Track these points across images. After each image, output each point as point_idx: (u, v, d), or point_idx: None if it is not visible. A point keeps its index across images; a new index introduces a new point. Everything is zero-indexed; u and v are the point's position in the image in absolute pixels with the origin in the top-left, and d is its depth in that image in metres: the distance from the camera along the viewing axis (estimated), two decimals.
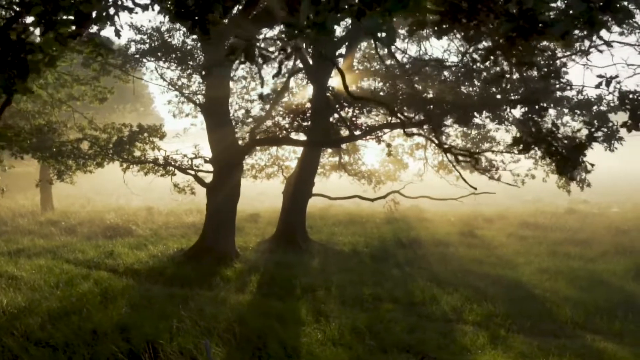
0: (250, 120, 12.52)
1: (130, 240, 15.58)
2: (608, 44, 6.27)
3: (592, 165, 3.75)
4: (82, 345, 6.58)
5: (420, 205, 23.10)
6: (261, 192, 29.85)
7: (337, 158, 21.68)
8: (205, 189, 13.17)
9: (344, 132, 13.53)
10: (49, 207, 21.86)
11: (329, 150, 20.92)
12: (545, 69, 6.89)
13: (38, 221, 18.40)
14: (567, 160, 3.35)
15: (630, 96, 4.97)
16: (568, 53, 10.75)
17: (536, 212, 21.97)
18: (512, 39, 2.46)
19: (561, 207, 22.94)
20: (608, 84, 4.41)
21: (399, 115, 9.28)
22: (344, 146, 21.15)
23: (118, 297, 9.16)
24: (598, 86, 4.62)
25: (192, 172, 13.22)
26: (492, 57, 3.43)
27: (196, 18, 2.19)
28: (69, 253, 13.23)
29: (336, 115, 12.96)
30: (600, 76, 4.34)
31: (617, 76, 4.40)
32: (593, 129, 4.12)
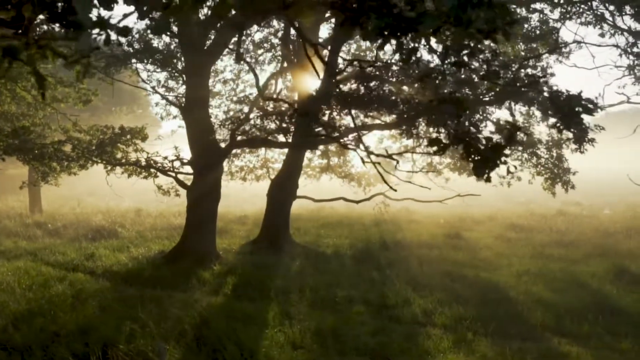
0: (228, 122, 12.49)
1: (114, 242, 15.58)
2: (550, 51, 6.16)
3: (514, 168, 3.67)
4: (39, 348, 6.57)
5: (411, 207, 23.04)
6: (254, 194, 29.81)
7: (326, 160, 21.70)
8: (186, 190, 13.18)
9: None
10: (37, 208, 21.90)
11: (318, 152, 20.94)
12: (486, 69, 6.83)
13: (25, 223, 18.42)
14: (486, 162, 3.31)
15: (562, 98, 4.90)
16: (545, 51, 10.74)
17: (526, 214, 21.88)
18: (385, 37, 2.42)
19: (552, 209, 22.83)
20: (536, 83, 4.35)
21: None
22: (332, 148, 21.20)
23: (89, 299, 9.16)
24: (527, 85, 4.57)
25: (173, 174, 13.21)
26: (413, 57, 3.39)
27: (64, 21, 2.18)
28: (49, 255, 13.23)
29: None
30: (529, 75, 4.28)
31: (545, 76, 4.34)
32: (512, 130, 4.05)
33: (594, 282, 11.00)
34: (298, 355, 6.77)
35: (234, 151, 18.85)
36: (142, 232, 17.63)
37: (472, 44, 4.25)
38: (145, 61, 14.26)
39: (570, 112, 4.69)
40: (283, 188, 15.36)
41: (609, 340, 7.75)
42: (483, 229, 18.80)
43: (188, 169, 13.49)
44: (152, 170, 13.65)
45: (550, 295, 10.01)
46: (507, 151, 3.46)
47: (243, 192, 29.44)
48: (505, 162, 3.52)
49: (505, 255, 14.15)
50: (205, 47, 12.22)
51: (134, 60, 14.51)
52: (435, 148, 3.53)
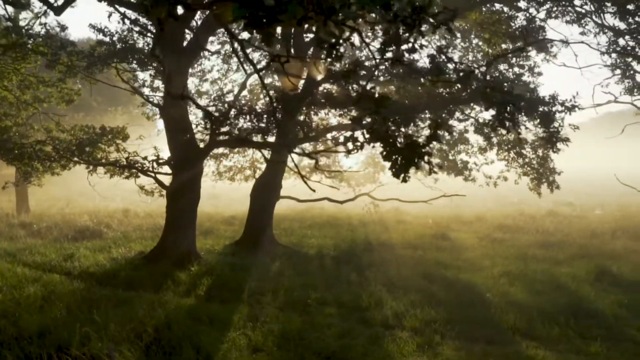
0: (206, 121, 12.37)
1: (97, 242, 15.49)
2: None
3: (438, 167, 3.49)
4: None
5: (401, 208, 22.95)
6: (247, 194, 29.71)
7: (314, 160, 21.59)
8: (166, 191, 13.09)
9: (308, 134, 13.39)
10: (24, 209, 21.83)
11: (306, 152, 20.84)
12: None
13: (10, 223, 18.34)
14: (407, 162, 3.18)
15: (496, 95, 4.76)
16: (513, 49, 10.58)
17: (515, 215, 21.71)
18: (250, 27, 2.30)
19: (543, 209, 22.65)
20: (467, 78, 4.22)
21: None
22: (320, 147, 21.09)
23: (57, 301, 9.04)
24: (458, 81, 4.44)
25: (152, 174, 13.11)
26: (333, 55, 3.27)
27: None
28: (28, 256, 13.12)
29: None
30: (458, 71, 4.15)
31: (473, 71, 4.20)
32: (434, 127, 3.90)
33: (573, 284, 10.86)
34: (257, 358, 6.66)
35: (222, 151, 18.81)
36: (127, 233, 17.54)
37: (412, 39, 4.13)
38: (127, 61, 14.20)
39: (502, 108, 4.53)
40: (266, 188, 15.26)
41: (578, 344, 7.62)
42: (470, 229, 18.66)
43: (168, 169, 13.39)
44: (133, 170, 13.56)
45: (527, 297, 9.89)
46: (429, 149, 3.35)
47: (235, 193, 29.40)
48: (428, 162, 3.39)
49: (488, 256, 14.01)
50: (184, 47, 12.12)
51: (116, 60, 14.47)
52: (350, 146, 3.41)
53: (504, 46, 15.35)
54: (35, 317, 7.95)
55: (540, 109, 9.00)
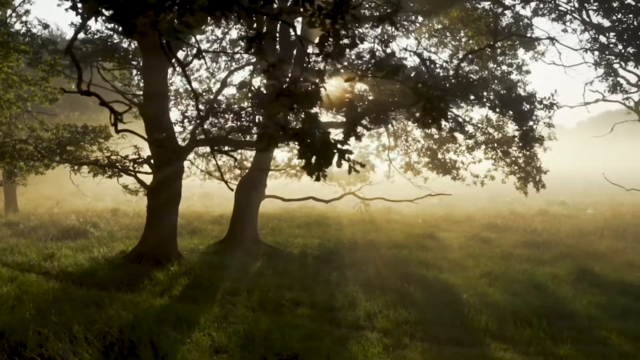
0: (185, 119, 12.31)
1: (81, 242, 15.44)
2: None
3: (360, 166, 3.35)
4: None
5: (392, 207, 22.84)
6: None
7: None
8: (146, 190, 13.02)
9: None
10: (12, 208, 21.79)
11: (295, 151, 20.76)
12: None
13: None
14: (324, 161, 3.10)
15: (424, 89, 4.64)
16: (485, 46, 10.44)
17: (506, 214, 21.56)
18: (112, 20, 2.22)
19: (534, 208, 22.49)
20: (395, 72, 4.11)
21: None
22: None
23: (27, 301, 8.97)
24: (385, 76, 4.34)
25: (133, 173, 13.04)
26: (252, 48, 3.18)
27: None
28: (9, 255, 13.08)
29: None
30: (385, 65, 4.06)
31: (402, 65, 4.10)
32: (350, 125, 3.77)
33: (552, 285, 10.74)
34: (217, 359, 6.57)
35: (211, 150, 18.70)
36: (113, 232, 17.50)
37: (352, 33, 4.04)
38: (109, 60, 14.14)
39: (429, 103, 4.42)
40: (250, 187, 15.18)
41: (549, 346, 7.49)
42: (459, 229, 18.54)
43: (149, 168, 13.31)
44: (114, 169, 13.49)
45: (503, 298, 9.77)
46: (348, 147, 3.24)
47: (228, 192, 29.29)
48: (348, 159, 3.29)
49: (473, 256, 13.89)
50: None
51: (98, 59, 14.42)
52: (263, 143, 3.33)
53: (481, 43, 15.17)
54: (2, 318, 7.89)
55: (523, 107, 8.84)
